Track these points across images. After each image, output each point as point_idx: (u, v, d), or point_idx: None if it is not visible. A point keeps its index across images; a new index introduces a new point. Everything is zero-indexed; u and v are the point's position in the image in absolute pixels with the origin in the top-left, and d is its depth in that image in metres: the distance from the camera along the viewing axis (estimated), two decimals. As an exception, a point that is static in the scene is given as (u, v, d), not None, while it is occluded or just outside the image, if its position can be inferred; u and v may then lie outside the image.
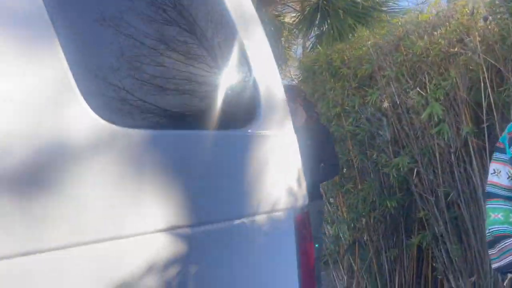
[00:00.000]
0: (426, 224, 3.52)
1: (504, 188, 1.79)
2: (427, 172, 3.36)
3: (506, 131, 1.83)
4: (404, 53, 3.36)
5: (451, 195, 3.15)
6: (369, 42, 3.81)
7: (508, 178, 1.78)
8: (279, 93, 1.44)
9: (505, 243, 1.70)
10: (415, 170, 3.41)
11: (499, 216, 1.76)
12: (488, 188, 1.85)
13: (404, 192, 3.67)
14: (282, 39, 6.94)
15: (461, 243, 3.23)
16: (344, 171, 4.41)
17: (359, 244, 4.15)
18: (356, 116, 3.96)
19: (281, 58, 6.96)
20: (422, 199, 3.48)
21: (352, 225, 4.21)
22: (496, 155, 1.85)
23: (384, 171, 3.70)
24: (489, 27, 2.83)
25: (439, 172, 3.26)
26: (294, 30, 6.79)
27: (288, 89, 3.77)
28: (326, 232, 4.66)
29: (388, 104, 3.51)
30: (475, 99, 2.93)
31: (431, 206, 3.39)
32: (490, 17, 2.81)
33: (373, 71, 3.71)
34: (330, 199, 4.65)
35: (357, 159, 4.08)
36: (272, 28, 6.16)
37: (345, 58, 4.11)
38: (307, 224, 1.34)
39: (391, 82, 3.49)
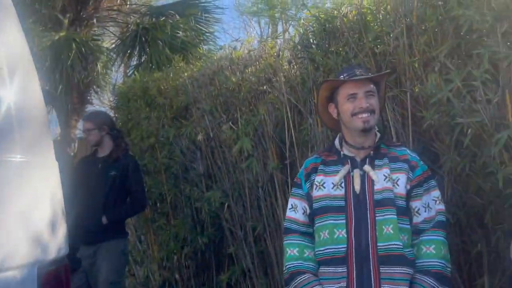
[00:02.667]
0: (235, 260, 3.49)
1: (301, 224, 1.80)
2: (237, 207, 3.36)
3: (303, 166, 1.88)
4: (219, 87, 3.38)
5: (258, 229, 3.20)
6: (186, 74, 3.75)
7: (303, 213, 1.81)
8: (37, 108, 1.10)
9: (299, 279, 1.70)
10: (226, 205, 3.39)
11: (295, 252, 1.75)
12: (286, 224, 1.84)
13: (216, 227, 3.61)
14: (99, 63, 6.44)
15: (266, 277, 3.28)
16: (157, 206, 4.16)
17: (169, 284, 3.89)
18: (170, 148, 3.80)
19: (96, 83, 6.45)
20: (232, 234, 3.46)
21: (163, 264, 3.95)
22: (294, 190, 1.88)
23: (196, 205, 3.59)
24: (292, 70, 3.04)
25: (248, 206, 3.29)
26: (112, 55, 6.39)
27: (94, 116, 3.42)
28: (136, 274, 4.27)
29: (202, 137, 3.46)
30: (280, 136, 3.08)
31: (240, 241, 3.38)
32: (293, 61, 3.03)
33: (189, 103, 3.64)
34: (141, 237, 4.31)
35: (171, 193, 3.89)
36: (85, 50, 5.66)
37: (162, 87, 3.96)
38: (62, 283, 1.01)
39: (205, 115, 3.45)
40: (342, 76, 1.76)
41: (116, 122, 4.16)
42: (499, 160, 1.91)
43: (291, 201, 1.85)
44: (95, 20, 6.47)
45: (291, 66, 3.07)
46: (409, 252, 1.63)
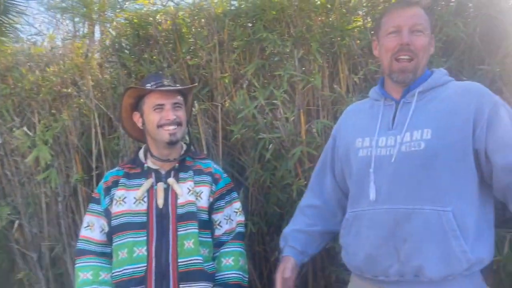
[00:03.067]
0: (26, 287, 3.01)
1: (98, 243, 1.67)
2: (31, 225, 2.92)
3: (103, 180, 1.74)
4: (12, 86, 2.90)
5: (55, 249, 2.83)
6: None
7: (101, 231, 1.67)
8: None
9: None
10: (17, 223, 2.91)
11: (88, 275, 1.61)
12: (80, 244, 1.68)
13: (2, 250, 3.06)
14: None
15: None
16: None
17: None
18: None
19: None
20: (24, 257, 2.98)
21: None
22: (91, 206, 1.72)
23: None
24: (103, 74, 2.81)
25: (45, 224, 2.89)
26: None
27: None
28: None
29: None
30: (87, 145, 2.81)
31: (33, 265, 2.94)
32: (106, 64, 2.82)
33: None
34: None
35: None
36: None
37: None
38: None
39: (-8, 118, 2.91)
40: (149, 85, 1.68)
41: None
42: (294, 173, 2.10)
43: (87, 218, 1.70)
44: None
45: (102, 70, 2.85)
46: (209, 266, 1.63)
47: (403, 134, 1.31)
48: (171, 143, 1.65)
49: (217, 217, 1.70)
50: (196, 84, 2.13)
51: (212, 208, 1.69)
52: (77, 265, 1.65)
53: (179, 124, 1.65)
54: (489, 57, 1.83)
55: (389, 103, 1.41)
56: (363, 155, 1.38)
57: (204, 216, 1.64)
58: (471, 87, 1.34)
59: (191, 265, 1.57)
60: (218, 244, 1.69)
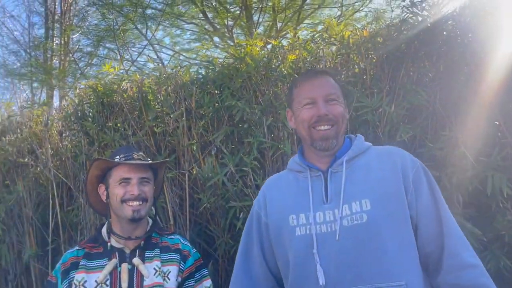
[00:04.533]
0: None
1: None
2: (-25, 309, 2.62)
3: (60, 261, 1.59)
4: (-37, 156, 2.72)
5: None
6: None
7: None
8: None
9: None
10: (-42, 308, 2.60)
11: None
12: None
13: None
14: None
15: None
16: None
17: None
18: None
19: None
20: None
21: None
22: None
23: None
24: (63, 142, 2.71)
25: (-9, 307, 2.61)
26: None
27: None
28: None
29: None
30: (43, 217, 2.62)
31: None
32: (67, 132, 2.72)
33: None
34: None
35: None
36: None
37: None
38: None
39: None
40: (118, 157, 1.60)
41: None
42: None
43: None
44: None
45: (62, 138, 2.74)
46: None
47: (341, 207, 1.23)
48: (134, 220, 1.55)
49: None
50: (168, 159, 2.06)
51: None
52: None
53: (144, 200, 1.56)
54: (450, 122, 1.91)
55: (315, 174, 1.31)
56: (301, 234, 1.25)
57: None
58: (392, 151, 1.32)
59: None
60: None
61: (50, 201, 2.56)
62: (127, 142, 2.37)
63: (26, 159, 2.62)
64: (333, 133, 1.30)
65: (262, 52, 2.34)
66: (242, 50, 2.30)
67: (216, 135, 2.26)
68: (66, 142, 2.73)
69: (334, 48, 2.28)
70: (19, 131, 2.67)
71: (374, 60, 2.09)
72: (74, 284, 1.50)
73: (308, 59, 2.28)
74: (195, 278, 1.62)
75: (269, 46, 2.40)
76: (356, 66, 2.17)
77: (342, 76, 2.19)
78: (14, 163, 2.62)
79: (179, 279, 1.56)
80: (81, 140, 2.51)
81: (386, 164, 1.28)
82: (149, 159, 1.64)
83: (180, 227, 2.30)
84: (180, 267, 1.58)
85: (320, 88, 1.32)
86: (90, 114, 2.58)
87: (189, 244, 1.69)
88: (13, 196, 2.56)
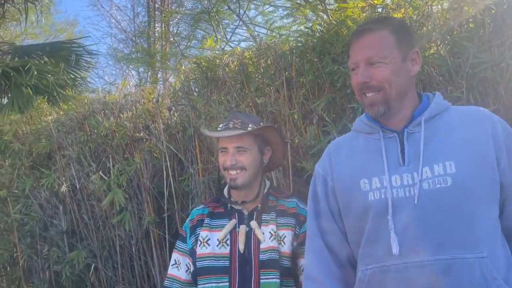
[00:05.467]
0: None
1: (183, 283, 1.63)
2: (106, 268, 2.96)
3: (189, 217, 1.71)
4: (89, 133, 3.05)
5: (130, 293, 2.84)
6: (50, 117, 3.34)
7: (186, 271, 1.63)
8: None
9: None
10: (93, 266, 2.97)
11: None
12: (166, 283, 1.65)
13: (79, 293, 3.12)
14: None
15: None
16: (6, 271, 3.49)
17: None
18: (26, 201, 3.27)
19: None
20: (99, 300, 3.02)
21: None
22: (178, 243, 1.69)
23: (55, 269, 3.08)
24: (173, 117, 2.89)
25: (119, 267, 2.93)
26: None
27: None
28: None
29: (67, 188, 3.04)
30: (158, 187, 2.85)
31: (108, 308, 2.96)
32: (174, 108, 2.90)
33: (52, 149, 3.22)
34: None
35: (24, 255, 3.30)
36: None
37: (20, 132, 3.46)
38: None
39: (71, 163, 3.06)
40: (220, 126, 1.65)
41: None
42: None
43: (174, 256, 1.66)
44: None
45: (171, 113, 2.93)
46: None
47: (420, 170, 1.12)
48: (232, 188, 1.61)
49: (302, 262, 1.57)
50: (263, 125, 2.08)
51: (296, 253, 1.58)
52: None
53: (241, 168, 1.58)
54: None
55: (389, 135, 1.21)
56: (375, 199, 1.16)
57: (287, 263, 1.54)
58: (478, 112, 1.19)
59: None
60: None
61: (164, 172, 2.77)
62: (232, 113, 2.45)
63: (141, 134, 2.85)
64: (379, 98, 1.18)
65: (364, 14, 2.24)
66: (342, 14, 2.23)
67: (318, 103, 2.23)
68: (175, 117, 2.91)
69: (444, 3, 2.10)
70: (134, 108, 2.91)
71: (493, 11, 1.88)
72: (199, 240, 1.58)
73: (414, 18, 2.13)
74: None
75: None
76: (471, 20, 1.98)
77: (455, 32, 2.01)
78: (131, 138, 2.87)
79: (294, 243, 1.57)
80: (188, 114, 2.66)
81: (472, 124, 1.16)
82: (250, 126, 1.63)
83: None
84: (296, 231, 1.58)
85: (363, 50, 1.20)
86: (196, 89, 2.72)
87: (305, 208, 1.69)
88: (132, 167, 2.81)
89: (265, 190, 1.66)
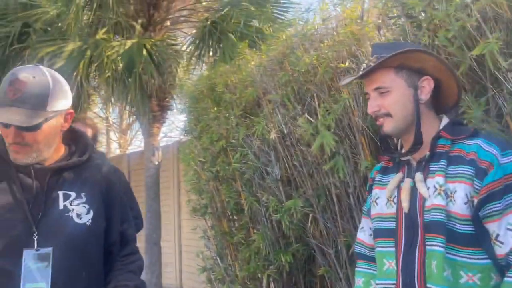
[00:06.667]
0: (328, 284, 2.83)
1: (369, 247, 1.55)
2: (325, 219, 2.69)
3: (370, 175, 1.60)
4: (290, 73, 2.74)
5: (352, 246, 2.50)
6: (253, 62, 3.19)
7: (370, 234, 1.53)
8: None
9: None
10: (311, 216, 2.74)
11: (360, 282, 1.52)
12: (355, 247, 1.62)
13: (302, 243, 2.97)
14: (178, 68, 6.21)
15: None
16: (234, 218, 3.67)
17: (252, 310, 3.35)
18: (242, 150, 3.26)
19: (174, 88, 6.21)
20: (322, 252, 2.80)
21: (246, 285, 3.42)
22: (364, 205, 1.63)
23: (274, 217, 2.99)
24: (383, 38, 2.29)
25: (338, 218, 2.61)
26: (188, 57, 6.12)
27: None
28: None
29: (276, 134, 2.85)
30: (373, 126, 2.35)
31: (331, 261, 2.71)
32: (383, 26, 2.29)
33: (259, 95, 3.07)
34: (221, 253, 3.84)
35: (248, 203, 3.35)
36: (160, 55, 5.44)
37: (229, 82, 3.45)
38: None
39: (277, 108, 2.84)
40: (364, 65, 1.45)
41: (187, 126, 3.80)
42: None
43: (362, 219, 1.62)
44: (168, 23, 6.25)
45: (380, 34, 2.33)
46: None
47: None
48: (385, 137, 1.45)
49: (492, 227, 1.18)
50: (404, 50, 1.38)
51: (481, 215, 1.20)
52: (355, 269, 1.60)
53: (386, 115, 1.37)
54: None
55: None
56: None
57: (461, 227, 1.21)
58: None
59: None
60: (501, 267, 1.19)
61: (378, 107, 2.24)
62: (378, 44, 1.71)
63: (346, 64, 2.37)
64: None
65: None
66: None
67: None
68: (386, 37, 2.30)
69: None
70: (335, 33, 2.43)
71: None
72: (371, 199, 1.48)
73: None
74: (503, 201, 1.15)
75: None
76: None
77: None
78: (335, 70, 2.42)
79: (474, 201, 1.19)
80: (404, 27, 2.02)
81: None
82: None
83: None
84: (474, 185, 1.20)
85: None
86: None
87: (493, 150, 1.15)
88: (340, 105, 2.38)
89: (437, 132, 1.32)
